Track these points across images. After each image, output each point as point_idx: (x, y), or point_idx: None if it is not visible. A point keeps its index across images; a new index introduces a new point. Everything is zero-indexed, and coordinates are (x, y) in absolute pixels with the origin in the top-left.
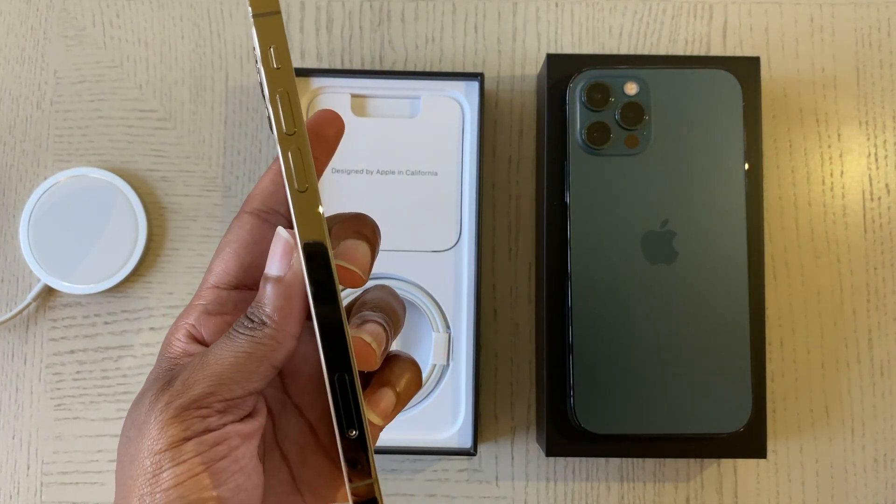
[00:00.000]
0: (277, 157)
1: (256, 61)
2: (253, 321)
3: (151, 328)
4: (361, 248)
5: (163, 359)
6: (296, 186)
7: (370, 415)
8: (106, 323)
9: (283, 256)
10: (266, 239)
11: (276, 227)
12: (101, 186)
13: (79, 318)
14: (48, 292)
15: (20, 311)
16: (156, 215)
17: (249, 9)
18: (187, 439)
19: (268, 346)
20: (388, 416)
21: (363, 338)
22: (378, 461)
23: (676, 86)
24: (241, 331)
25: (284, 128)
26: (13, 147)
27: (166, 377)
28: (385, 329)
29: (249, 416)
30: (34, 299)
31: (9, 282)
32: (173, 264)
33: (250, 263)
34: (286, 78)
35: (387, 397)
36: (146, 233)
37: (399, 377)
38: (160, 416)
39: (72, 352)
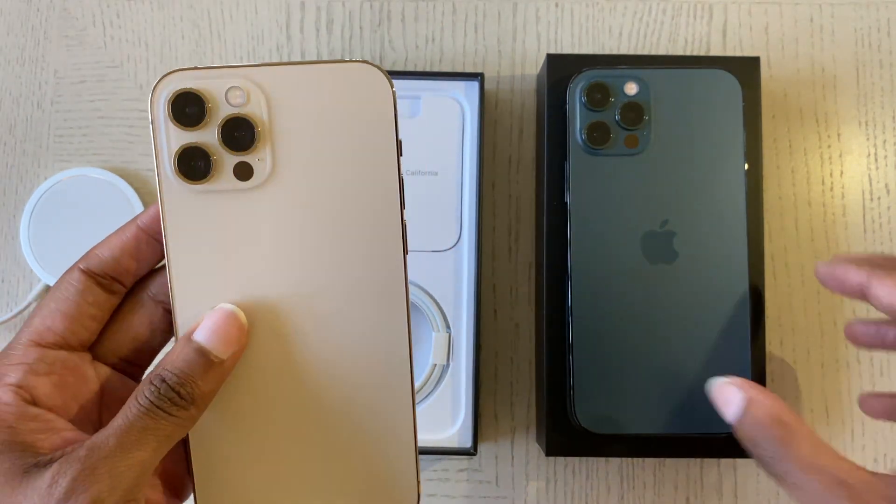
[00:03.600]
0: (135, 220)
1: None
2: (182, 398)
3: None
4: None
5: None
6: None
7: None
8: None
9: (235, 341)
10: (98, 304)
11: (116, 294)
12: (101, 187)
13: None
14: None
15: (21, 311)
16: None
17: None
18: None
19: (185, 428)
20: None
21: None
22: None
23: (676, 86)
24: (164, 408)
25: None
26: (13, 147)
27: (67, 465)
28: None
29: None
30: (35, 299)
31: (9, 282)
32: None
33: (80, 327)
34: None
35: None
36: None
37: None
38: None
39: None
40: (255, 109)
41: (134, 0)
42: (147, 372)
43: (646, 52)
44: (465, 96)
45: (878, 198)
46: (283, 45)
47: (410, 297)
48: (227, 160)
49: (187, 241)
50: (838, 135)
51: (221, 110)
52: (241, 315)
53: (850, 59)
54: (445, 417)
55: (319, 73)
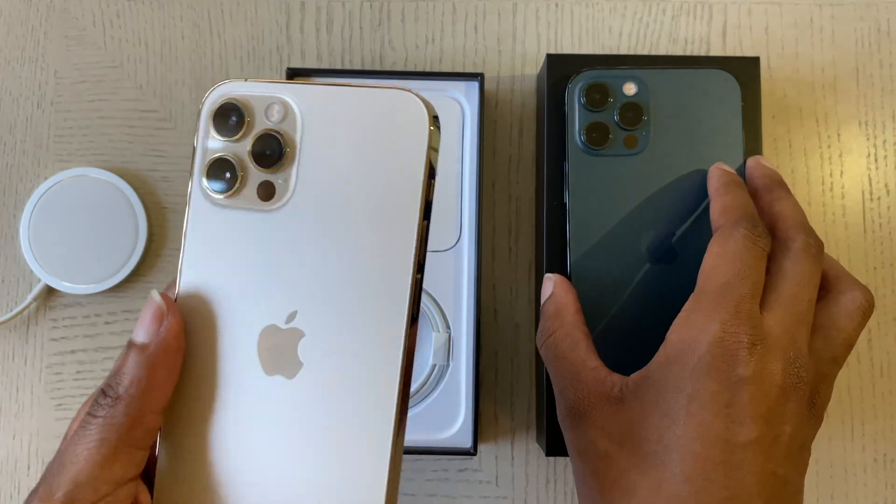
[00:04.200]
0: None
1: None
2: (107, 396)
3: None
4: None
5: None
6: None
7: None
8: (106, 323)
9: (153, 322)
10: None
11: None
12: (101, 186)
13: (79, 318)
14: (48, 292)
15: (20, 312)
16: (156, 215)
17: None
18: None
19: (121, 426)
20: None
21: None
22: None
23: (676, 86)
24: (92, 412)
25: None
26: (13, 147)
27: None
28: None
29: None
30: (34, 299)
31: (9, 282)
32: (174, 264)
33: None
34: None
35: None
36: (146, 233)
37: None
38: None
39: (72, 352)
40: (289, 128)
41: (134, 0)
42: None
43: (646, 52)
44: (465, 96)
45: (878, 198)
46: (283, 46)
47: None
48: (253, 176)
49: (202, 258)
50: (838, 135)
51: (258, 125)
52: (157, 297)
53: (850, 59)
54: (445, 418)
55: (355, 95)
